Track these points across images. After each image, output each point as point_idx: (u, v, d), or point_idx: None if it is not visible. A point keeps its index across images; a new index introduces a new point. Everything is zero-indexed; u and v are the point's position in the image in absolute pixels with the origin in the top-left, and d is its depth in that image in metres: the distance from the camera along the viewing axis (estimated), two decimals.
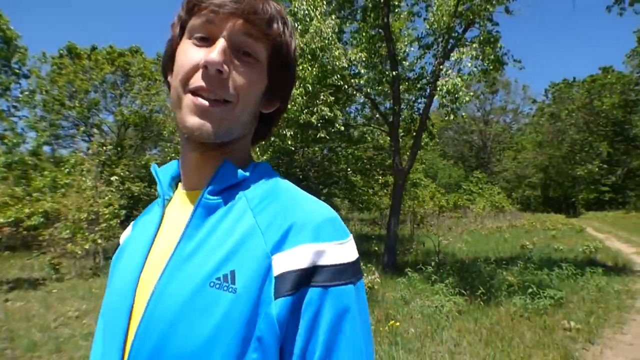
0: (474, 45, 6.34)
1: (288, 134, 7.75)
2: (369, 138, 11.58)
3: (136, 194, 15.05)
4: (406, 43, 8.57)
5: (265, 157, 8.21)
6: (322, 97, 6.40)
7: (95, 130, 16.89)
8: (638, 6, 7.48)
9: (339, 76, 6.28)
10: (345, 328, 0.50)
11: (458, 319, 4.77)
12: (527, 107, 43.53)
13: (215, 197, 0.57)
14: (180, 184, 0.66)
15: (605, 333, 4.30)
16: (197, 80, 0.55)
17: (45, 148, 17.80)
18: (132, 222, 0.73)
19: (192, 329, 0.49)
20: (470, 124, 39.96)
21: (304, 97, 6.21)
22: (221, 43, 0.55)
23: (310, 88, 6.13)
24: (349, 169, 12.37)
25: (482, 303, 5.33)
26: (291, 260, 0.50)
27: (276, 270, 0.50)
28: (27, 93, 16.40)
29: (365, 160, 12.60)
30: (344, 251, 0.53)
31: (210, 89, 0.54)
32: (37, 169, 13.35)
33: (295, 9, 5.96)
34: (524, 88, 42.12)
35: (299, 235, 0.52)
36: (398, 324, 4.29)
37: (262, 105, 0.63)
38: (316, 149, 11.46)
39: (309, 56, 5.96)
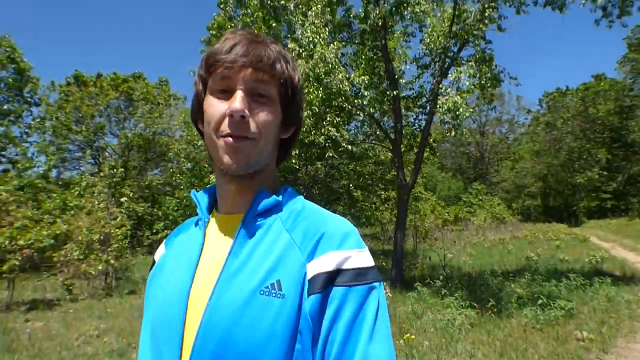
0: (471, 64, 6.62)
1: (293, 152, 7.96)
2: (370, 154, 11.79)
3: (140, 214, 15.21)
4: (402, 61, 8.87)
5: None
6: (328, 118, 6.62)
7: (106, 154, 17.22)
8: (625, 18, 7.81)
9: (343, 98, 6.53)
10: (364, 318, 0.59)
11: (471, 331, 4.84)
12: (522, 117, 44.03)
13: (255, 220, 0.68)
14: (214, 208, 0.76)
15: (619, 342, 4.37)
16: (226, 128, 0.65)
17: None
18: (164, 240, 0.82)
19: (250, 330, 0.58)
20: (467, 135, 40.28)
21: (312, 119, 6.45)
22: (240, 93, 0.66)
23: (317, 110, 6.38)
24: (350, 185, 12.51)
25: (493, 315, 5.40)
26: (321, 264, 0.61)
27: (309, 274, 0.61)
28: (38, 120, 16.87)
29: (366, 176, 12.76)
30: (364, 258, 0.63)
31: (236, 133, 0.65)
32: (45, 192, 13.61)
33: (299, 36, 6.24)
34: (517, 99, 42.59)
35: (327, 244, 0.63)
36: (413, 337, 4.38)
37: (281, 133, 0.74)
38: (319, 165, 11.65)
39: (314, 80, 6.22)
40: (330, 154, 7.32)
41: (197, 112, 0.74)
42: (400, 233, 8.33)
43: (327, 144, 6.80)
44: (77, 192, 11.80)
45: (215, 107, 0.67)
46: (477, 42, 6.96)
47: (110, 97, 19.27)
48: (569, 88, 35.01)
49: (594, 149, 32.18)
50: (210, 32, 10.80)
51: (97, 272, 8.50)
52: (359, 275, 0.61)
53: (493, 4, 6.60)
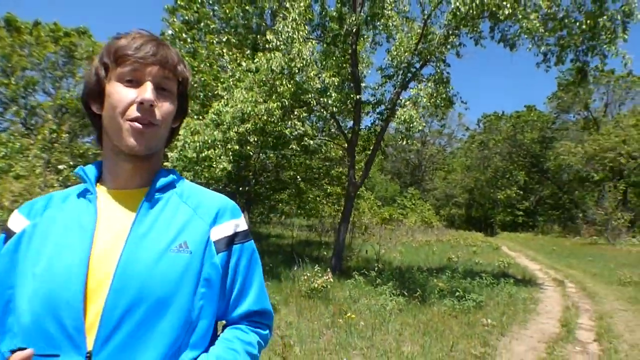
0: (430, 84, 7.34)
1: (252, 139, 8.13)
2: (323, 150, 12.24)
3: (70, 184, 14.19)
4: (365, 66, 9.43)
5: (229, 158, 8.39)
6: (295, 112, 6.96)
7: (48, 116, 15.65)
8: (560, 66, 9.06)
9: (311, 95, 6.90)
10: (254, 263, 0.86)
11: (399, 315, 5.56)
12: (461, 133, 47.77)
13: (156, 195, 0.80)
14: (99, 184, 0.82)
15: (514, 328, 5.35)
16: (134, 112, 0.74)
17: None
18: (18, 210, 0.80)
19: (164, 280, 0.71)
20: (414, 145, 42.50)
21: (280, 111, 6.73)
22: (150, 85, 0.75)
23: (286, 103, 6.67)
24: (298, 177, 12.84)
25: (418, 303, 6.20)
26: (223, 230, 0.81)
27: (213, 237, 0.79)
28: None
29: (314, 170, 13.17)
30: (245, 222, 0.87)
31: (144, 117, 0.74)
32: None
33: (279, 29, 6.48)
34: (459, 115, 45.98)
35: (224, 215, 0.83)
36: (354, 316, 4.96)
37: (173, 122, 0.85)
38: (271, 155, 11.83)
39: (288, 74, 6.51)
40: (294, 146, 7.67)
41: (96, 95, 0.78)
42: (344, 226, 8.94)
43: (291, 137, 7.15)
44: (3, 153, 10.81)
45: (122, 93, 0.74)
46: (438, 63, 7.71)
47: (48, 50, 17.36)
48: (504, 113, 38.68)
49: (516, 170, 36.14)
50: (179, 1, 10.47)
51: None
52: (246, 235, 0.86)
53: (457, 31, 7.35)
